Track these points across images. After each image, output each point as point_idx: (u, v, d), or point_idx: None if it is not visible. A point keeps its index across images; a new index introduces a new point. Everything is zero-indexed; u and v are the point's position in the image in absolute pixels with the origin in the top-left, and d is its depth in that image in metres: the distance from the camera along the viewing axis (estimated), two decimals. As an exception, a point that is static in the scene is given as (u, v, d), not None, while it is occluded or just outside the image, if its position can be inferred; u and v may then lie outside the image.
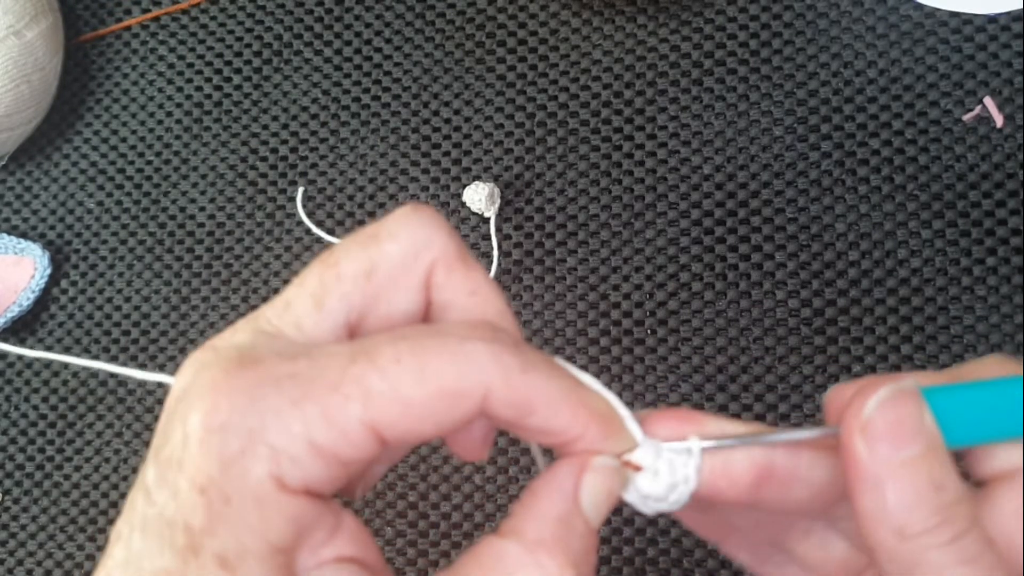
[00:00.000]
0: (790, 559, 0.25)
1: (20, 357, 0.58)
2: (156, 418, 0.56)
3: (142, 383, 0.56)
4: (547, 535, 0.20)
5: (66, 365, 0.57)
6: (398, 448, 0.23)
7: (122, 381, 0.57)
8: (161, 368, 0.56)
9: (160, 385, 0.56)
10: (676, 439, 0.22)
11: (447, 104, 0.57)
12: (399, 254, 0.21)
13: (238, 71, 0.60)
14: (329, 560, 0.19)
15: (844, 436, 0.20)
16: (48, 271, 0.57)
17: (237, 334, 0.20)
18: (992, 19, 0.53)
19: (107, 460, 0.56)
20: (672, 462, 0.21)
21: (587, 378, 0.21)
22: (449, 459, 0.53)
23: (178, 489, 0.18)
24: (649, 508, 0.22)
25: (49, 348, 0.58)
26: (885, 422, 0.20)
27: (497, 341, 0.20)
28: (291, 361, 0.19)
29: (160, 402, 0.56)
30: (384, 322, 0.21)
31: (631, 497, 0.22)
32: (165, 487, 0.18)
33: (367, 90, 0.58)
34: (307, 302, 0.20)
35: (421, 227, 0.21)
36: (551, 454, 0.22)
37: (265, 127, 0.58)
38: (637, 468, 0.21)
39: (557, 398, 0.20)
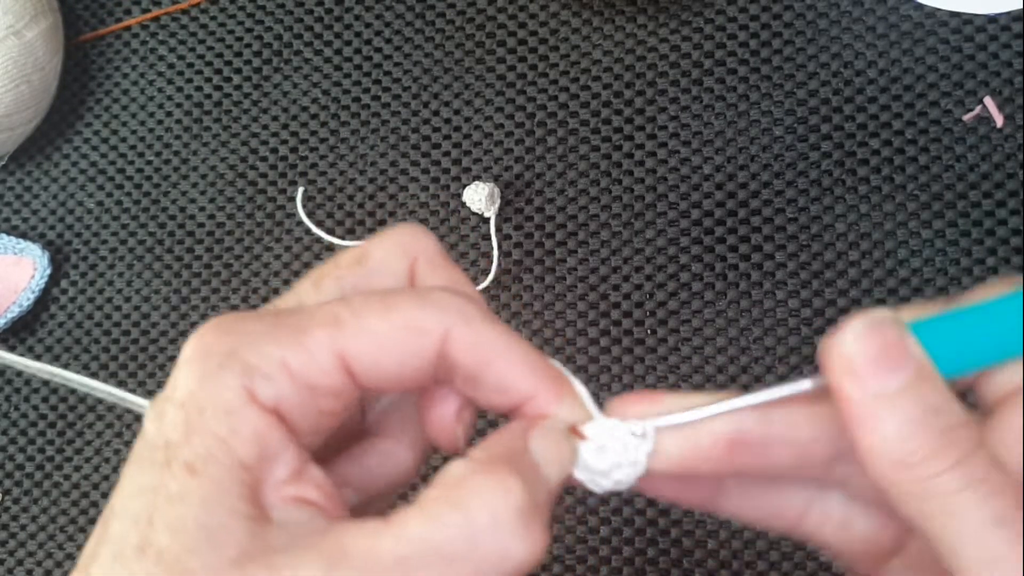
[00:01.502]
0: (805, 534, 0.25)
1: (20, 356, 0.58)
2: (156, 418, 0.56)
3: (142, 383, 0.56)
4: (499, 457, 0.20)
5: (66, 365, 0.57)
6: (375, 400, 0.24)
7: (122, 381, 0.57)
8: (161, 368, 0.56)
9: (160, 386, 0.56)
10: (637, 420, 0.22)
11: (447, 104, 0.57)
12: (388, 245, 0.23)
13: (238, 71, 0.60)
14: (291, 498, 0.20)
15: (830, 379, 0.20)
16: (48, 271, 0.57)
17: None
18: (992, 19, 0.53)
19: (107, 460, 0.56)
20: (625, 442, 0.21)
21: (550, 360, 0.22)
22: (449, 459, 0.53)
23: (164, 412, 0.20)
24: (596, 486, 0.22)
25: (49, 348, 0.58)
26: (867, 355, 0.20)
27: (463, 295, 0.21)
28: (280, 308, 0.21)
29: (160, 402, 0.56)
30: None
31: (580, 474, 0.22)
32: (155, 417, 0.20)
33: (367, 90, 0.58)
34: (307, 284, 0.23)
35: (408, 230, 0.23)
36: None
37: (265, 127, 0.58)
38: (582, 437, 0.22)
39: (515, 351, 0.21)
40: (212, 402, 0.19)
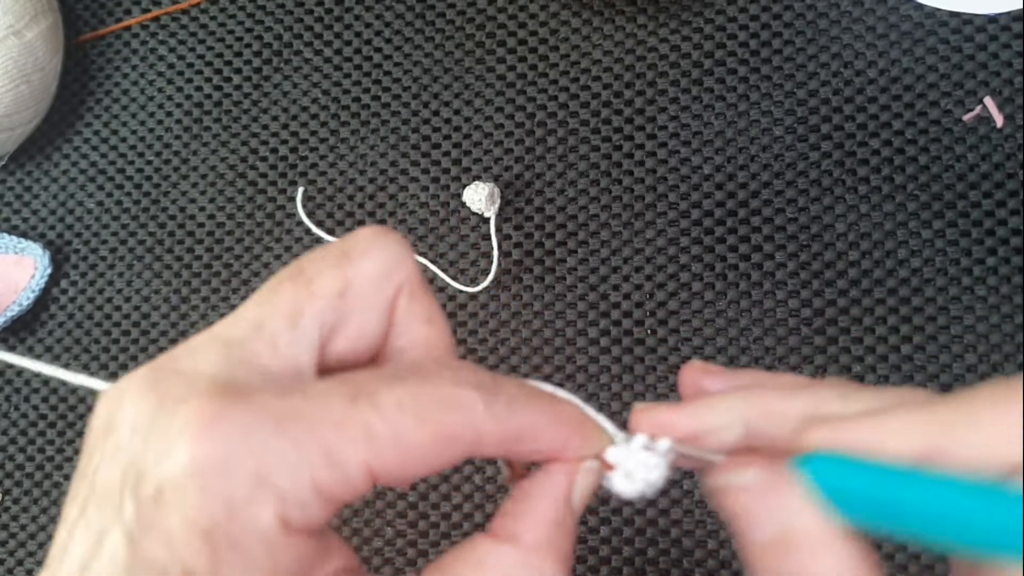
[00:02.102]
0: None
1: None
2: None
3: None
4: (543, 539, 0.20)
5: (66, 365, 0.57)
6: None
7: (122, 381, 0.57)
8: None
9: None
10: (654, 435, 0.23)
11: (447, 104, 0.57)
12: (373, 275, 0.21)
13: (238, 71, 0.60)
14: None
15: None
16: (48, 271, 0.57)
17: (205, 357, 0.19)
18: (992, 19, 0.53)
19: (107, 460, 0.56)
20: (647, 463, 0.22)
21: (556, 391, 0.22)
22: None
23: (171, 533, 0.17)
24: (629, 493, 0.23)
25: (49, 348, 0.58)
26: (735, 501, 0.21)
27: (483, 387, 0.20)
28: (284, 397, 0.18)
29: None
30: (353, 341, 0.21)
31: (611, 484, 0.23)
32: (153, 531, 0.17)
33: (367, 90, 0.58)
34: (281, 322, 0.20)
35: (392, 249, 0.21)
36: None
37: (265, 127, 0.58)
38: (610, 467, 0.22)
39: (540, 424, 0.21)
40: (247, 537, 0.18)
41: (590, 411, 0.22)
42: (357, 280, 0.21)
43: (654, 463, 0.22)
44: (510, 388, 0.21)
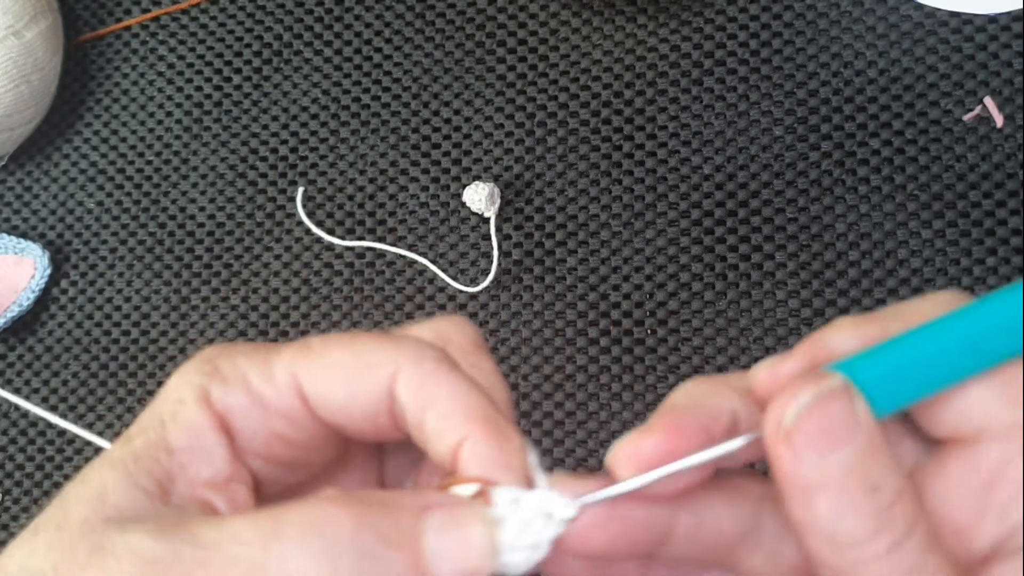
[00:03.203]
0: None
1: (20, 357, 0.58)
2: (156, 418, 0.56)
3: (142, 383, 0.56)
4: (363, 498, 0.19)
5: (66, 365, 0.57)
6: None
7: (122, 381, 0.57)
8: (161, 368, 0.56)
9: (160, 385, 0.56)
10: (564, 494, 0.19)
11: (447, 104, 0.57)
12: (424, 332, 0.23)
13: (238, 71, 0.60)
14: (198, 498, 0.20)
15: (768, 446, 0.19)
16: (48, 271, 0.57)
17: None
18: (992, 19, 0.53)
19: (107, 460, 0.56)
20: (531, 520, 0.19)
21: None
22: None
23: None
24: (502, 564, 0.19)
25: (49, 348, 0.58)
26: (809, 428, 0.18)
27: (426, 342, 0.21)
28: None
29: (160, 402, 0.56)
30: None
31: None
32: None
33: (367, 90, 0.58)
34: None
35: (451, 320, 0.24)
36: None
37: (265, 127, 0.58)
38: (486, 500, 0.19)
39: (458, 395, 0.20)
40: (169, 391, 0.21)
41: (525, 446, 0.20)
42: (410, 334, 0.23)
43: (541, 522, 0.18)
44: (457, 368, 0.21)
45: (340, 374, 0.20)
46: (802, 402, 0.19)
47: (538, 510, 0.19)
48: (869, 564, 0.18)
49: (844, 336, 0.21)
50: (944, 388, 0.20)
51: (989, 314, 0.19)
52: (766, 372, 0.22)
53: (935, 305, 0.20)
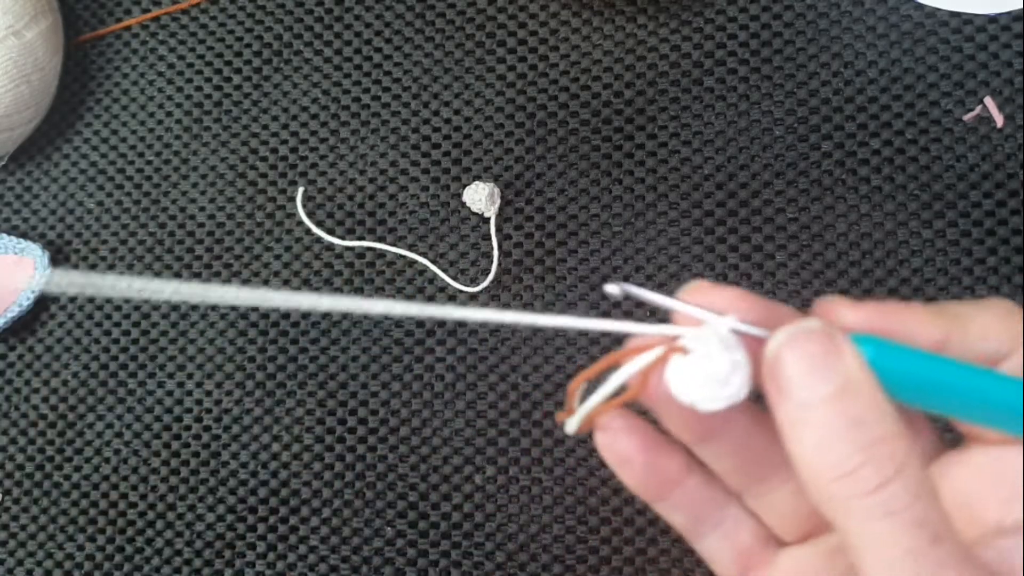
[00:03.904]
0: (729, 517, 0.24)
1: (20, 357, 0.58)
2: (156, 418, 0.56)
3: (142, 383, 0.56)
4: None
5: (66, 365, 0.57)
6: None
7: (122, 381, 0.57)
8: (161, 368, 0.56)
9: (160, 386, 0.56)
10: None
11: (447, 104, 0.57)
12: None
13: (238, 71, 0.60)
14: None
15: (761, 380, 0.20)
16: (48, 271, 0.57)
17: None
18: (992, 19, 0.53)
19: (107, 460, 0.56)
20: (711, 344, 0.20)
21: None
22: (449, 459, 0.53)
23: None
24: (713, 399, 0.21)
25: (49, 348, 0.58)
26: (790, 359, 0.19)
27: None
28: None
29: (160, 403, 0.56)
30: None
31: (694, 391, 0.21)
32: None
33: (367, 90, 0.58)
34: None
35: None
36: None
37: (265, 127, 0.58)
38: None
39: None
40: None
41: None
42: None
43: (729, 344, 0.20)
44: None
45: None
46: (784, 336, 0.20)
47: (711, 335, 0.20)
48: (856, 501, 0.18)
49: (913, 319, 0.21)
50: (946, 414, 0.21)
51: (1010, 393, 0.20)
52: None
53: (992, 315, 0.21)
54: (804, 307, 0.53)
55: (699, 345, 0.20)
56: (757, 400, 0.22)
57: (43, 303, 0.58)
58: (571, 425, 0.22)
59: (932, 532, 0.18)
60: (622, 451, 0.23)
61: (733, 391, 0.20)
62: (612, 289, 0.21)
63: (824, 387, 0.19)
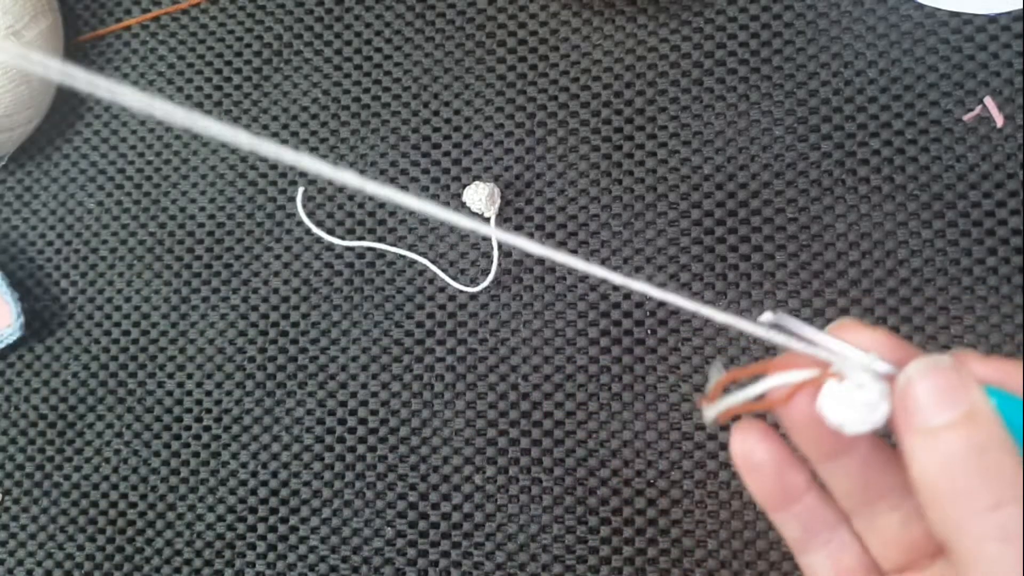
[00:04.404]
0: (837, 539, 0.25)
1: (20, 357, 0.58)
2: (156, 418, 0.56)
3: (142, 383, 0.56)
4: None
5: (66, 365, 0.57)
6: None
7: (122, 381, 0.57)
8: (161, 368, 0.56)
9: (160, 386, 0.56)
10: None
11: (447, 104, 0.57)
12: None
13: (238, 71, 0.60)
14: None
15: (894, 407, 0.21)
16: (21, 322, 0.56)
17: None
18: (992, 19, 0.53)
19: (107, 460, 0.56)
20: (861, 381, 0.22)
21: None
22: (449, 459, 0.53)
23: None
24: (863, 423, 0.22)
25: (49, 348, 0.58)
26: (923, 390, 0.21)
27: None
28: None
29: (160, 403, 0.56)
30: None
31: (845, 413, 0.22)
32: None
33: (367, 90, 0.58)
34: None
35: None
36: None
37: (265, 127, 0.58)
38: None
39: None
40: None
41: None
42: None
43: (874, 384, 0.22)
44: None
45: None
46: (916, 367, 0.21)
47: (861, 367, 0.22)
48: (970, 520, 0.20)
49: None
50: None
51: None
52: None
53: None
54: (804, 307, 0.53)
55: (852, 374, 0.22)
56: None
57: (42, 303, 0.58)
58: (710, 413, 0.24)
59: None
60: (756, 458, 0.24)
61: (878, 417, 0.22)
62: (767, 318, 0.23)
63: (951, 414, 0.20)
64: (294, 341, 0.55)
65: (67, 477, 0.56)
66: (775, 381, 0.23)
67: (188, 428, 0.56)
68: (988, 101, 0.52)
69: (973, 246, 0.51)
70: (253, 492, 0.54)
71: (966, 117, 0.52)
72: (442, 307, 0.55)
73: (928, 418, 0.21)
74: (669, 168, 0.54)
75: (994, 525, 0.19)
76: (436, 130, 0.57)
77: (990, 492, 0.19)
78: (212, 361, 0.56)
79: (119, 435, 0.56)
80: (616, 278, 0.23)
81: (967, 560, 0.20)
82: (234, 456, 0.55)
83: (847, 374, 0.22)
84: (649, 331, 0.52)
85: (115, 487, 0.56)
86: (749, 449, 0.24)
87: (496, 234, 0.22)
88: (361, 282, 0.56)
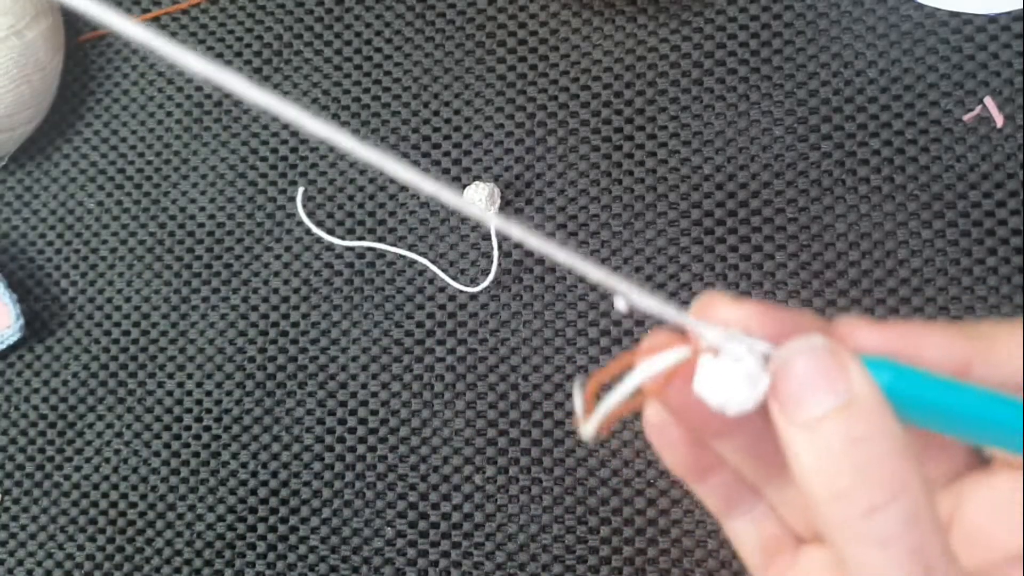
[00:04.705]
0: (760, 507, 0.24)
1: (20, 357, 0.58)
2: (156, 418, 0.56)
3: (142, 383, 0.56)
4: None
5: (66, 365, 0.57)
6: None
7: (122, 381, 0.57)
8: (161, 368, 0.56)
9: (160, 386, 0.56)
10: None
11: (447, 104, 0.57)
12: None
13: (238, 71, 0.60)
14: None
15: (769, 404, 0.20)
16: (21, 322, 0.56)
17: None
18: (992, 19, 0.53)
19: (107, 460, 0.56)
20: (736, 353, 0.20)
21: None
22: (449, 459, 0.53)
23: None
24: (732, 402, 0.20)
25: (49, 348, 0.58)
26: (793, 378, 0.19)
27: None
28: None
29: (160, 403, 0.56)
30: None
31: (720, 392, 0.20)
32: None
33: (367, 90, 0.58)
34: None
35: None
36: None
37: (265, 127, 0.58)
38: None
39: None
40: None
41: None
42: None
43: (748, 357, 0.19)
44: None
45: None
46: (787, 351, 0.19)
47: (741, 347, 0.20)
48: (847, 524, 0.18)
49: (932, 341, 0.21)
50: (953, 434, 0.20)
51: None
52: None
53: (1019, 337, 0.20)
54: (804, 307, 0.53)
55: (727, 346, 0.20)
56: None
57: (43, 304, 0.58)
58: (588, 429, 0.22)
59: (926, 563, 0.18)
60: (670, 434, 0.23)
61: (760, 392, 0.20)
62: (620, 304, 0.21)
63: (823, 405, 0.18)
64: (294, 341, 0.55)
65: (67, 477, 0.56)
66: (646, 371, 0.21)
67: (188, 428, 0.56)
68: (988, 101, 0.52)
69: (973, 246, 0.51)
70: (253, 492, 0.54)
71: (966, 117, 0.52)
72: (442, 307, 0.55)
73: (802, 410, 0.19)
74: (669, 168, 0.54)
75: (871, 529, 0.18)
76: (436, 130, 0.57)
77: (868, 493, 0.18)
78: (212, 361, 0.56)
79: (119, 435, 0.56)
80: (609, 278, 0.21)
81: (850, 566, 0.18)
82: (234, 456, 0.55)
83: (722, 347, 0.20)
84: (649, 331, 0.52)
85: (115, 487, 0.56)
86: (662, 424, 0.23)
87: (496, 223, 0.21)
88: (361, 282, 0.56)
